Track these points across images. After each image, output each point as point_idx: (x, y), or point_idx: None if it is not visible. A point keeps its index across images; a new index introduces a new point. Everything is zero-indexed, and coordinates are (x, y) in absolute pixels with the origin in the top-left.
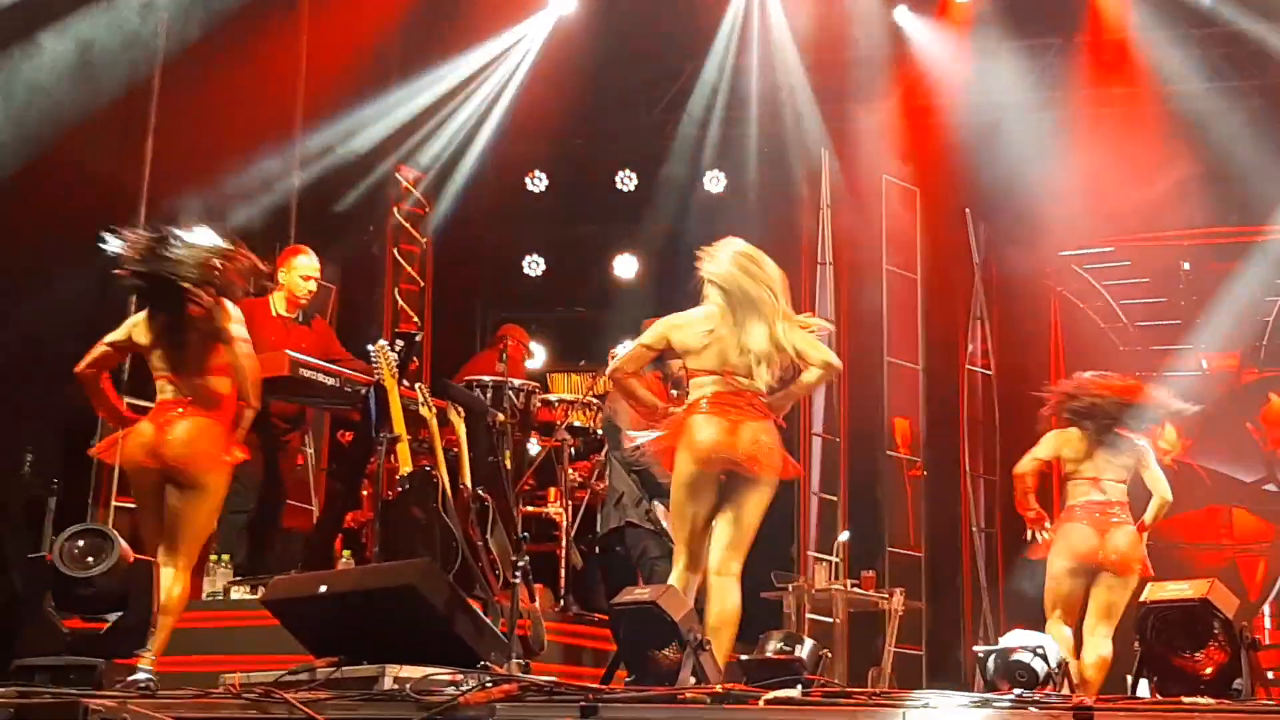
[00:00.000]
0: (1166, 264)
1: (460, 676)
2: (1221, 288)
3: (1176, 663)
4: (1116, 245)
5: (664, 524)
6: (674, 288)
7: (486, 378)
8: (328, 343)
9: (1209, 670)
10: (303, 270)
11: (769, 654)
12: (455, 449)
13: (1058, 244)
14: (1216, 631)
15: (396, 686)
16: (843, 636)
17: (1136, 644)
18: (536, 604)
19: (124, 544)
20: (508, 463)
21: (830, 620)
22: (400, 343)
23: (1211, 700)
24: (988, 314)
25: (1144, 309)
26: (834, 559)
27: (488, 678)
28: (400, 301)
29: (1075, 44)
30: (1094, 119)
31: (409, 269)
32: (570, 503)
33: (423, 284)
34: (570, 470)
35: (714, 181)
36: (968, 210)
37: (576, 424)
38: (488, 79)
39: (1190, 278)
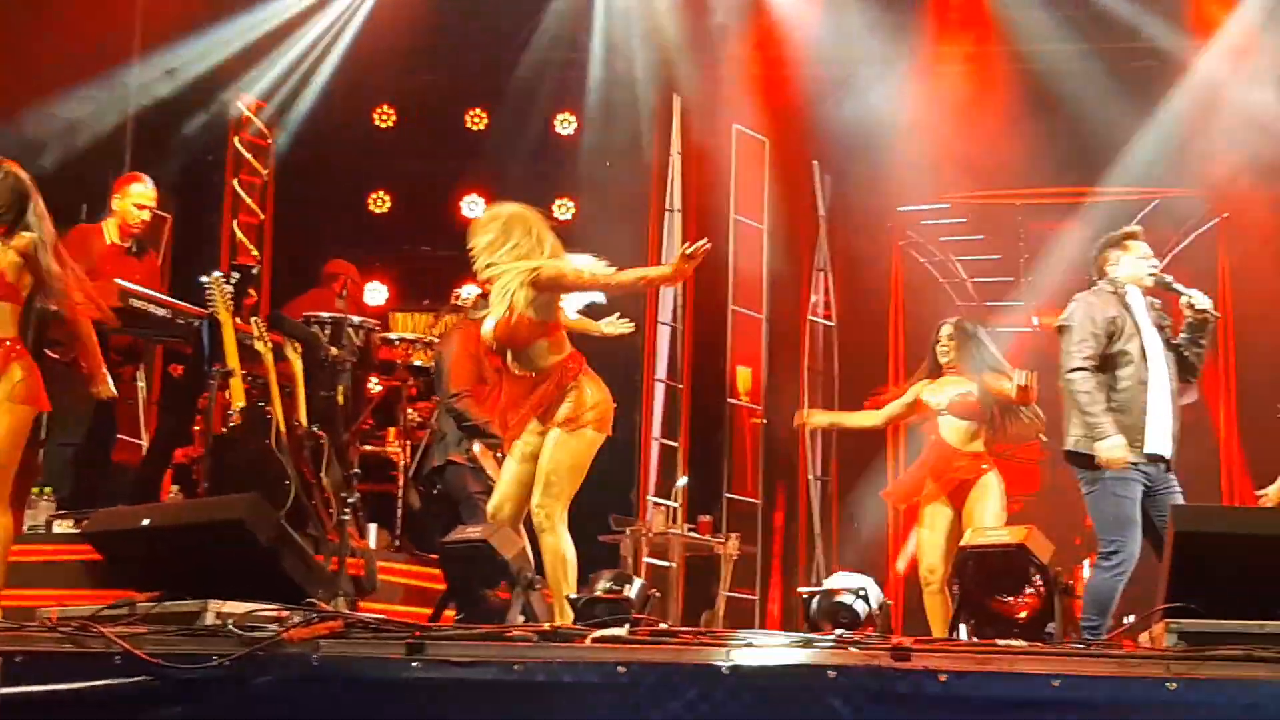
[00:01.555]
0: (1005, 221)
1: (285, 613)
2: (1055, 246)
3: (993, 606)
4: (957, 201)
5: (482, 462)
6: None
7: (325, 314)
8: (153, 281)
9: (1024, 614)
10: (136, 197)
11: (598, 593)
12: (291, 385)
13: (900, 198)
14: (1032, 576)
15: (219, 622)
16: (678, 580)
17: (955, 587)
18: (370, 543)
19: None
20: (341, 399)
21: (667, 564)
22: (236, 275)
23: (1024, 643)
24: (831, 266)
25: (981, 265)
26: (672, 504)
27: (313, 614)
28: (239, 234)
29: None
30: (943, 75)
31: (248, 200)
32: (409, 443)
33: (263, 216)
34: (410, 410)
35: (565, 124)
36: (815, 162)
37: (418, 364)
38: (335, 5)
39: (1028, 236)
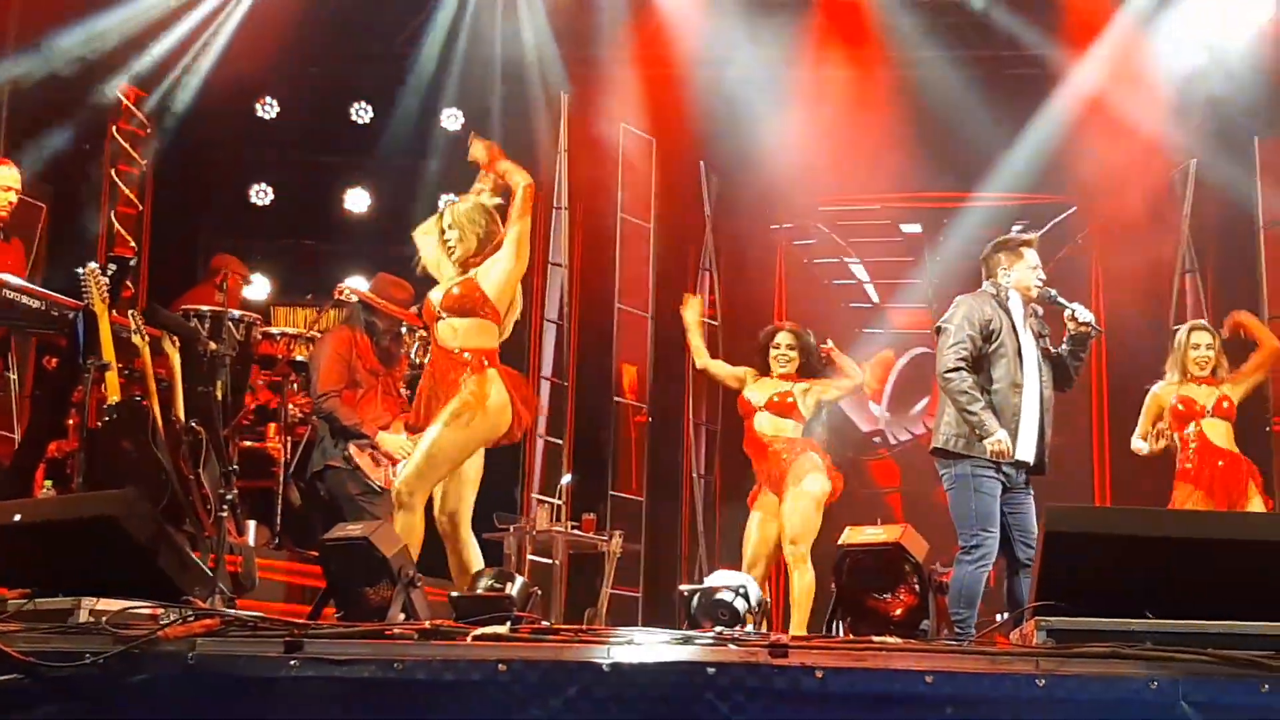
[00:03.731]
0: (882, 224)
1: (161, 610)
2: (933, 249)
3: (869, 604)
4: (837, 203)
5: (358, 462)
6: (406, 224)
7: (204, 307)
8: (20, 269)
9: (899, 611)
10: (0, 180)
11: (479, 591)
12: (168, 379)
13: (785, 200)
14: (907, 575)
15: (93, 619)
16: (561, 578)
17: (833, 585)
18: (249, 540)
19: None
20: (219, 394)
21: (550, 561)
22: (113, 267)
23: (899, 639)
24: (716, 265)
25: (861, 267)
26: (556, 501)
27: (189, 612)
28: (116, 225)
29: (811, 3)
30: (827, 80)
31: (127, 191)
32: (290, 439)
33: (141, 208)
34: (291, 406)
35: (452, 119)
36: (702, 162)
37: (299, 359)
38: None
39: (909, 239)
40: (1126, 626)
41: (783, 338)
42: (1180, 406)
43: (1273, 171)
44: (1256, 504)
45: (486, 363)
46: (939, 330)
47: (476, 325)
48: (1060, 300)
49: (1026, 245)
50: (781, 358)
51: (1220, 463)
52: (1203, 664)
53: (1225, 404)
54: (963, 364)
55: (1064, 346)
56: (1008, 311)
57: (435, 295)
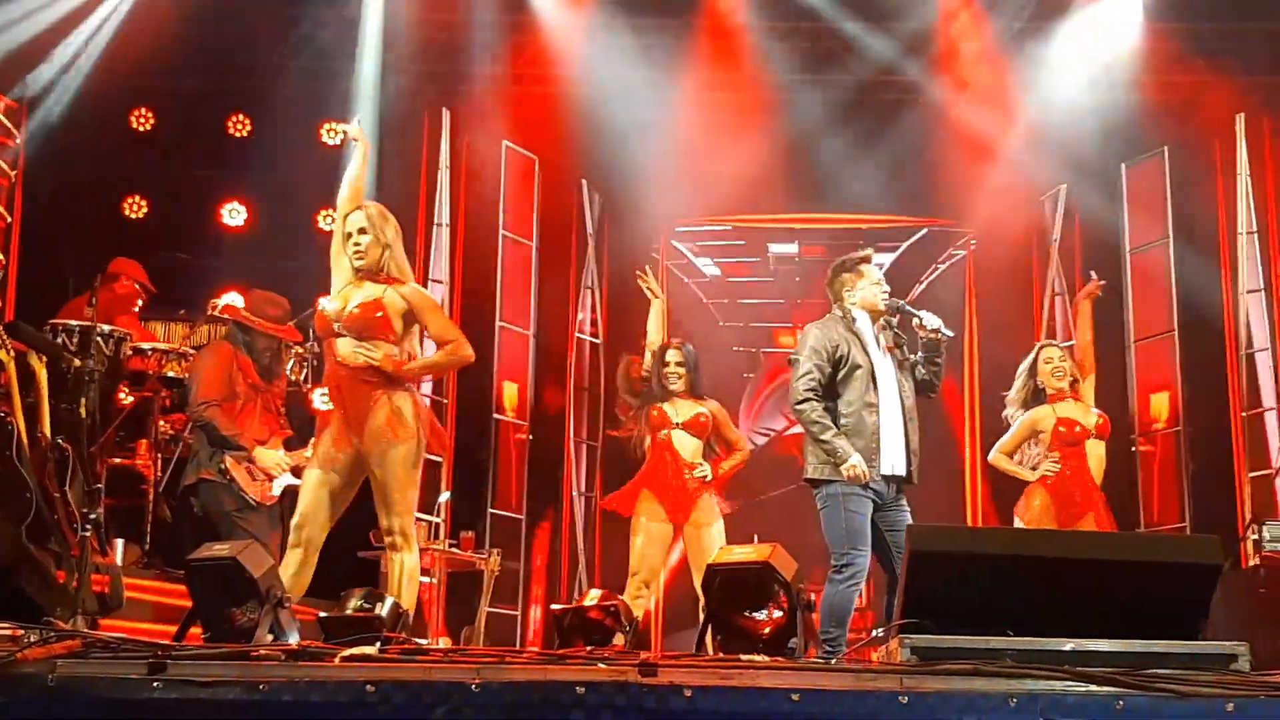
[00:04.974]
0: (761, 245)
1: (21, 631)
2: (809, 270)
3: (740, 622)
4: (717, 223)
5: (234, 475)
6: (284, 238)
7: (73, 322)
8: None
9: (768, 630)
10: None
11: (349, 611)
12: (34, 395)
13: (665, 218)
14: (777, 593)
15: None
16: (439, 596)
17: (703, 604)
18: (117, 559)
19: None
20: (83, 411)
21: (428, 580)
22: None
23: (766, 658)
24: (599, 283)
25: (741, 287)
26: (435, 519)
27: (50, 633)
28: None
29: (690, 26)
30: (704, 101)
31: None
32: (161, 456)
33: (9, 219)
34: (162, 422)
35: (331, 134)
36: (584, 181)
37: (171, 375)
38: (92, 4)
39: (783, 260)
40: (988, 644)
41: (671, 355)
42: (1063, 429)
43: (1140, 198)
44: (1089, 524)
45: (393, 381)
46: (791, 362)
47: (376, 346)
48: (908, 309)
49: (864, 262)
50: (671, 375)
51: (1083, 483)
52: (1061, 681)
53: (1102, 421)
54: (811, 394)
55: (919, 355)
56: (856, 333)
57: (331, 307)
